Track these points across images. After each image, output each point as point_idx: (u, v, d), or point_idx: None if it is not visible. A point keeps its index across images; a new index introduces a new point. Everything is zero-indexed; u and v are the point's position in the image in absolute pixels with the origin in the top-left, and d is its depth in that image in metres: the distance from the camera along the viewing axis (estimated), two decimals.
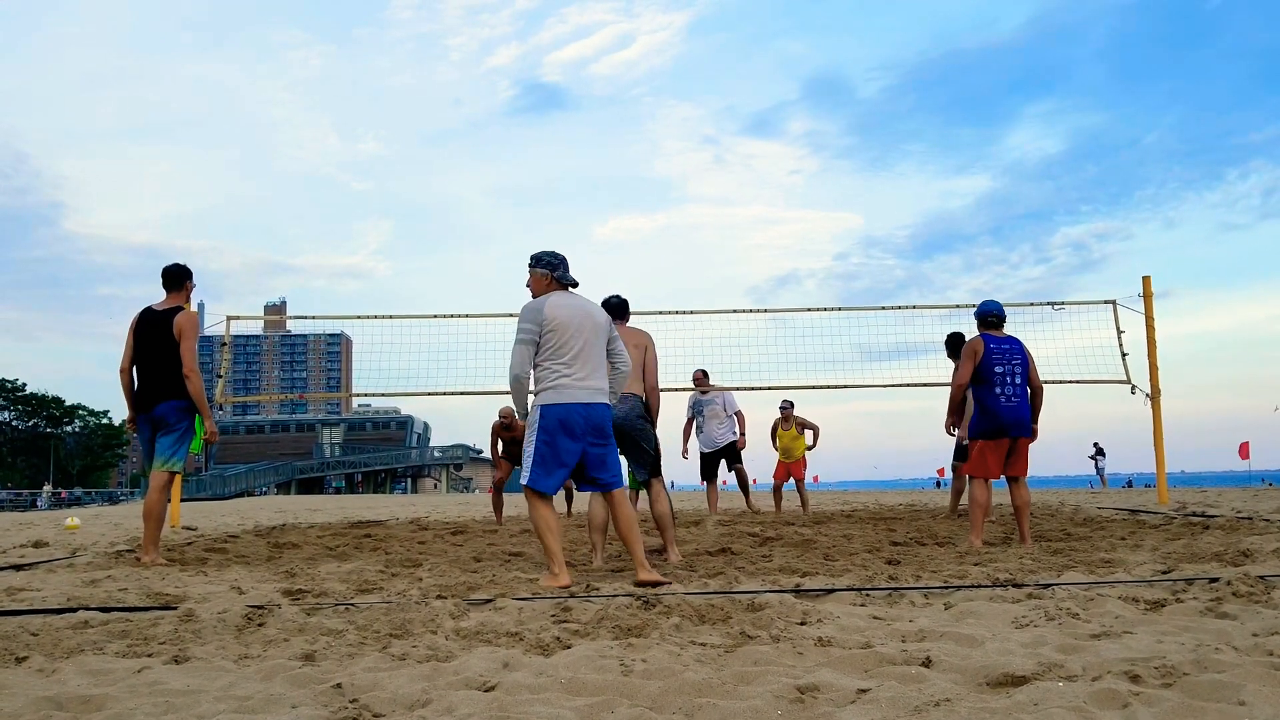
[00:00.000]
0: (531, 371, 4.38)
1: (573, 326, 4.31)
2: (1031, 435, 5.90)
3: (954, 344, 8.39)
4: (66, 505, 44.74)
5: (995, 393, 5.81)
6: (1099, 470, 25.41)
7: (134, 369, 5.81)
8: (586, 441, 4.32)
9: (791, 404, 10.76)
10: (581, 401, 4.29)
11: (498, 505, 9.99)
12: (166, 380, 5.65)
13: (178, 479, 5.94)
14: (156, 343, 5.69)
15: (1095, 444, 25.54)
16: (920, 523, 8.00)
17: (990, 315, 6.05)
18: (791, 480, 10.67)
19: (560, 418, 4.26)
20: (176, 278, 5.94)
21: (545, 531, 4.28)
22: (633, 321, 5.63)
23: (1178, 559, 4.66)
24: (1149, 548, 5.34)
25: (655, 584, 4.09)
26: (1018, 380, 5.85)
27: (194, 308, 6.14)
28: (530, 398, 4.45)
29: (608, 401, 4.46)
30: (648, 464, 5.29)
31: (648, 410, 5.30)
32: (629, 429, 5.13)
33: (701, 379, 9.91)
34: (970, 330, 6.60)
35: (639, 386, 5.25)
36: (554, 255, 4.50)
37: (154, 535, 5.64)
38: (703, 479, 10.02)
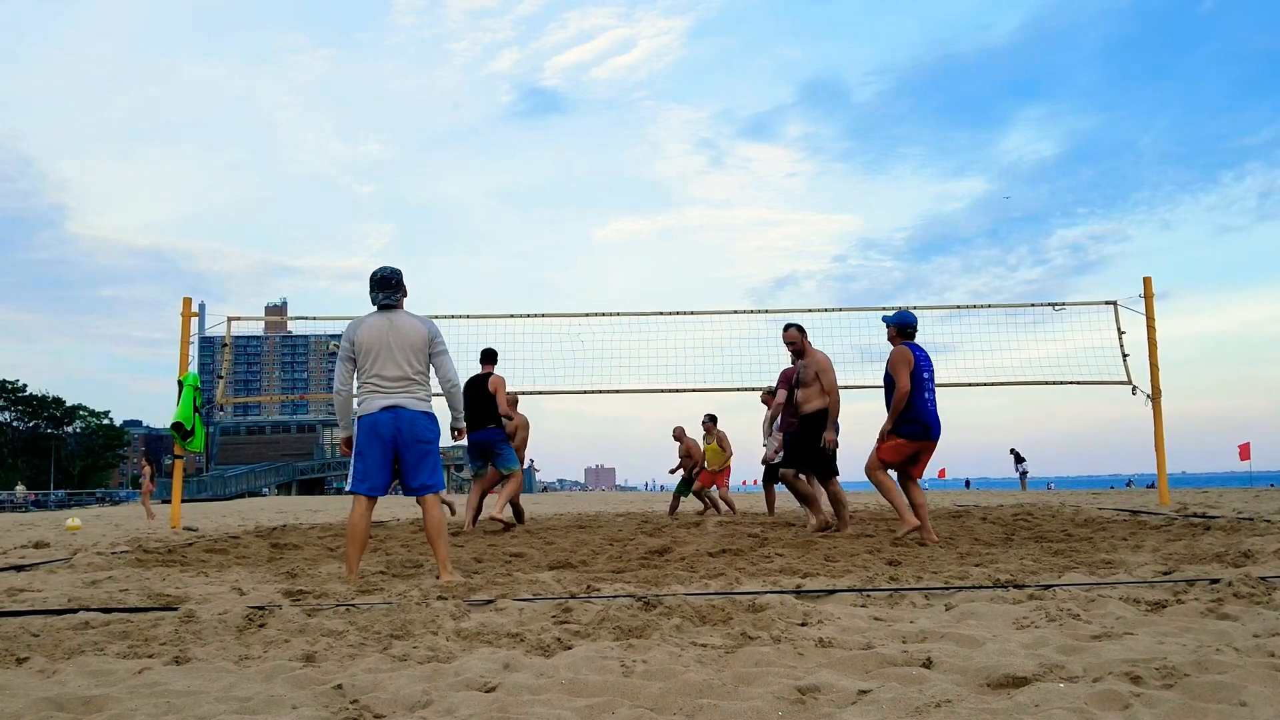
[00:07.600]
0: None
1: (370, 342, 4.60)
2: None
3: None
4: (42, 508, 44.51)
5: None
6: (1021, 475, 25.80)
7: None
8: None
9: (713, 418, 11.43)
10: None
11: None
12: None
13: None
14: None
15: (1013, 450, 26.00)
16: None
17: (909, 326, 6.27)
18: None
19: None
20: None
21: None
22: (633, 322, 5.66)
23: (1179, 560, 4.65)
24: (1150, 548, 5.33)
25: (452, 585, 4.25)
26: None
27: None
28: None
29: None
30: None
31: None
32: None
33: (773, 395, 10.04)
34: (967, 329, 6.60)
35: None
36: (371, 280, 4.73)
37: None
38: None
